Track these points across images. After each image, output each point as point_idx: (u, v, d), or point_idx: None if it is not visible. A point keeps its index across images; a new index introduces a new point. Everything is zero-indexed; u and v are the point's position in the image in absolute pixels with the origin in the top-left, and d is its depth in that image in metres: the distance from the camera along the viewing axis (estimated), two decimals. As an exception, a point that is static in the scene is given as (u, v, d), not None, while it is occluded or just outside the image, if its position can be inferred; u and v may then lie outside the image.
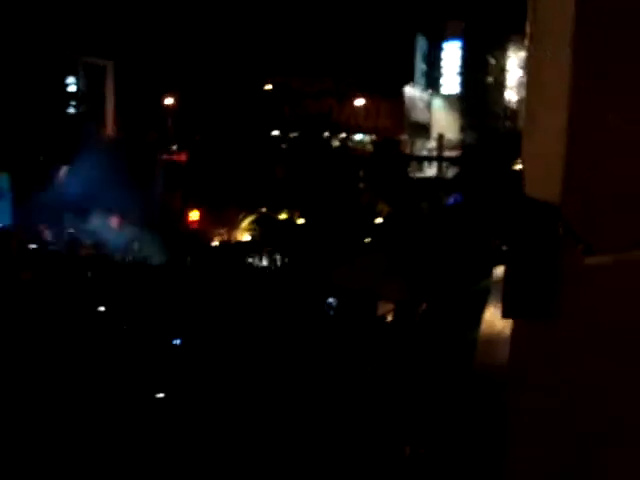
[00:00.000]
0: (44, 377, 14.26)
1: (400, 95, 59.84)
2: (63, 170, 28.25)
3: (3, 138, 25.54)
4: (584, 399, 1.78)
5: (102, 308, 20.27)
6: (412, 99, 62.85)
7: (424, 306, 17.31)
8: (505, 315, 2.26)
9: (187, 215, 36.26)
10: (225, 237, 34.93)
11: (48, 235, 28.15)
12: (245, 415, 12.97)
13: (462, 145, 56.75)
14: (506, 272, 1.75)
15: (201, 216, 36.38)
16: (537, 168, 1.76)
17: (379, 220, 37.41)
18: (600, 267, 1.59)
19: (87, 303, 20.11)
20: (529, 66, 1.87)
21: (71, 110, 30.00)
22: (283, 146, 42.56)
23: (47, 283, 22.36)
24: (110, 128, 37.86)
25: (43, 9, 26.37)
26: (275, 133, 44.45)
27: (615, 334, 1.69)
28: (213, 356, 15.93)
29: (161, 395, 14.08)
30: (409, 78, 61.65)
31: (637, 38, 1.53)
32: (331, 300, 21.07)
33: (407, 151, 55.06)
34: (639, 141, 1.54)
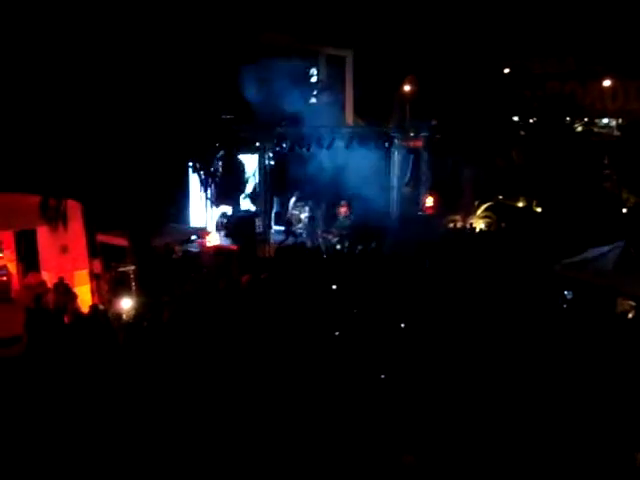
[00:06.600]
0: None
1: (653, 74, 55.49)
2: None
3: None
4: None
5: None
6: (667, 78, 58.04)
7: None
8: None
9: (423, 201, 36.60)
10: (460, 223, 34.71)
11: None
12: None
13: None
14: None
15: (436, 202, 36.46)
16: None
17: (624, 210, 35.29)
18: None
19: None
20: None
21: (313, 100, 31.34)
22: (522, 132, 41.27)
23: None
24: (350, 116, 38.92)
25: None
26: (514, 118, 43.17)
27: None
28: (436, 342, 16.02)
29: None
30: (663, 56, 56.88)
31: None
32: (567, 293, 20.21)
33: (659, 135, 51.00)
34: None
